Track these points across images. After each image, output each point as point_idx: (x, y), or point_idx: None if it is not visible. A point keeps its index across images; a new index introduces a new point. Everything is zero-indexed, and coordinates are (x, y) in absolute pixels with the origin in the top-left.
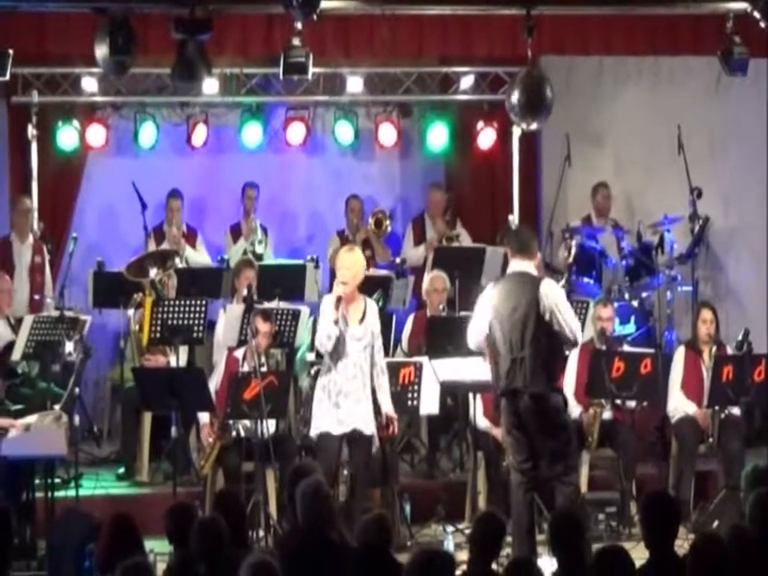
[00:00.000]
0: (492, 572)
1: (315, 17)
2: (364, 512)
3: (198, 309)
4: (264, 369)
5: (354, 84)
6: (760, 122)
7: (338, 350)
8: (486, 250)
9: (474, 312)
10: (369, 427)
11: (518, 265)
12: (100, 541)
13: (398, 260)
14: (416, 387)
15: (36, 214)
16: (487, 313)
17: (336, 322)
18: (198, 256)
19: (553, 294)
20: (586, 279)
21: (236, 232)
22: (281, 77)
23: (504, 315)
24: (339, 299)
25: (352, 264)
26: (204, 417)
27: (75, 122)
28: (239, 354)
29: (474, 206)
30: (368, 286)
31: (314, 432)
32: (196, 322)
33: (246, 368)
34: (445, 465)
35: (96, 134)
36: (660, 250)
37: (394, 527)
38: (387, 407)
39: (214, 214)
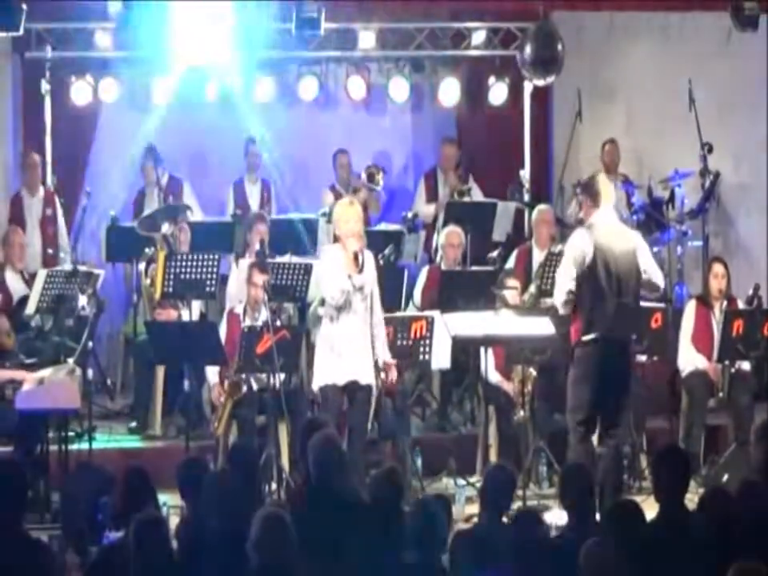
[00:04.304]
0: (502, 525)
1: None
2: (368, 464)
3: (210, 263)
4: (263, 319)
5: (366, 39)
6: None
7: (345, 302)
8: (498, 204)
9: (563, 265)
10: (369, 377)
11: (606, 212)
12: (113, 494)
13: (409, 215)
14: (428, 341)
15: (50, 169)
16: (584, 256)
17: (350, 276)
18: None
19: (643, 241)
20: None
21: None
22: (293, 32)
23: (619, 257)
24: (356, 254)
25: (359, 217)
26: (213, 377)
27: (89, 77)
28: (239, 309)
29: (485, 161)
30: (380, 241)
31: (317, 385)
32: (208, 276)
33: (248, 322)
34: (456, 418)
35: (109, 89)
36: (671, 205)
37: (405, 480)
38: (385, 355)
39: (223, 167)
